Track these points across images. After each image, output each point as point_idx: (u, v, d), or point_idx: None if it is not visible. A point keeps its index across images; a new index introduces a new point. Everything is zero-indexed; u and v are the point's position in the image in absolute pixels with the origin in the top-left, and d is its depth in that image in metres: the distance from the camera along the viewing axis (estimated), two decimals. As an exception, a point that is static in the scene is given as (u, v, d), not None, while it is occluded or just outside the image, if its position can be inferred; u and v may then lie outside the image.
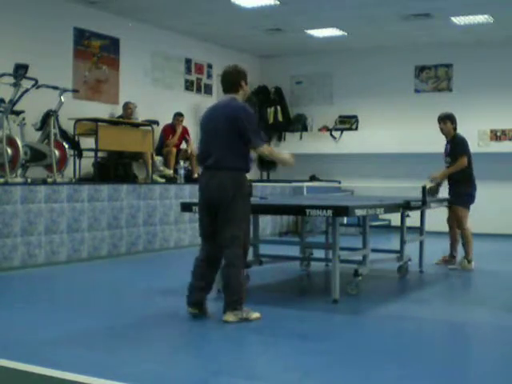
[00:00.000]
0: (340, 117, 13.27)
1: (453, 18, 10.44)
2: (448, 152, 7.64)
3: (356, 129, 13.15)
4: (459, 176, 7.48)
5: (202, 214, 4.87)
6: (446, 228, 7.85)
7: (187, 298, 4.86)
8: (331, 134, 13.19)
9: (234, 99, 4.81)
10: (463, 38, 11.52)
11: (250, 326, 4.69)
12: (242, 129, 4.66)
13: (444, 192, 7.74)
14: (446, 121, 7.62)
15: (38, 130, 8.41)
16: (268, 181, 12.63)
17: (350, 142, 12.90)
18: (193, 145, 10.88)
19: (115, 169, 9.54)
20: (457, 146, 7.54)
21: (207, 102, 12.38)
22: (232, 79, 4.84)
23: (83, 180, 8.85)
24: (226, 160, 4.68)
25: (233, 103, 4.77)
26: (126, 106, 9.92)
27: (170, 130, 10.70)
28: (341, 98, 13.23)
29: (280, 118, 13.45)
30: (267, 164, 5.04)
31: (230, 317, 4.66)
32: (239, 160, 4.72)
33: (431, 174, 7.67)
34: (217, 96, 12.82)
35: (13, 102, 7.74)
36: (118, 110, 10.22)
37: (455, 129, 7.67)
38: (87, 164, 9.34)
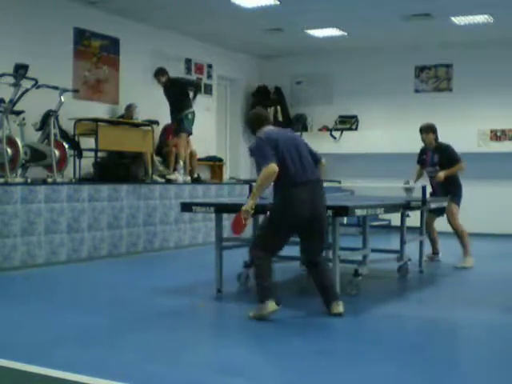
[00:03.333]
0: (340, 117, 13.27)
1: (453, 18, 10.43)
2: (436, 161, 7.92)
3: (356, 129, 13.14)
4: (453, 178, 7.87)
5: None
6: (445, 228, 7.87)
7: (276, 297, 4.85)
8: (331, 134, 13.18)
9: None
10: (463, 38, 11.52)
11: (249, 326, 4.69)
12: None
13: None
14: (429, 131, 8.07)
15: (37, 130, 8.41)
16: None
17: (350, 142, 12.90)
18: (192, 145, 10.89)
19: (115, 169, 9.53)
20: (450, 155, 7.89)
21: (207, 102, 12.43)
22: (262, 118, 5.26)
23: (83, 180, 8.85)
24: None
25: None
26: (130, 107, 9.92)
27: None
28: (341, 97, 13.23)
29: (280, 117, 13.44)
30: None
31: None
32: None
33: (438, 174, 7.75)
34: (217, 96, 12.84)
35: (13, 102, 7.74)
36: (119, 110, 10.22)
37: (436, 139, 8.10)
38: (87, 164, 9.34)
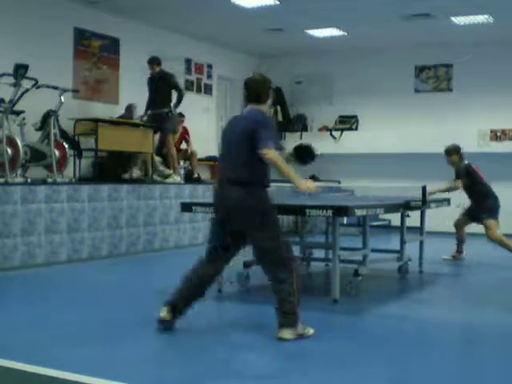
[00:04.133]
0: (340, 117, 13.27)
1: (453, 18, 10.43)
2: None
3: (356, 129, 13.14)
4: (481, 194, 8.10)
5: None
6: (445, 228, 7.87)
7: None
8: (331, 134, 13.18)
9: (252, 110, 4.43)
10: (463, 38, 11.52)
11: (249, 326, 4.69)
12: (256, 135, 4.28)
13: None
14: (452, 153, 8.23)
15: (37, 130, 8.40)
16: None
17: (350, 142, 12.89)
18: (192, 145, 10.90)
19: (115, 169, 9.53)
20: (456, 170, 8.15)
21: (207, 102, 12.44)
22: (260, 88, 4.44)
23: (83, 180, 8.85)
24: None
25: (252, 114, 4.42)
26: (130, 107, 9.91)
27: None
28: (341, 98, 13.23)
29: (280, 117, 13.44)
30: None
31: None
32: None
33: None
34: (217, 96, 12.84)
35: (13, 102, 7.73)
36: (119, 110, 10.22)
37: (462, 158, 8.27)
38: (87, 164, 9.34)
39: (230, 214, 4.43)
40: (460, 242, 8.31)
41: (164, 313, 4.44)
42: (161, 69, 9.92)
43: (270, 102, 4.52)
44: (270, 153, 4.28)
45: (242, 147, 4.34)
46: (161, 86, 9.81)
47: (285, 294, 4.34)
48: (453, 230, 8.14)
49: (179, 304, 4.49)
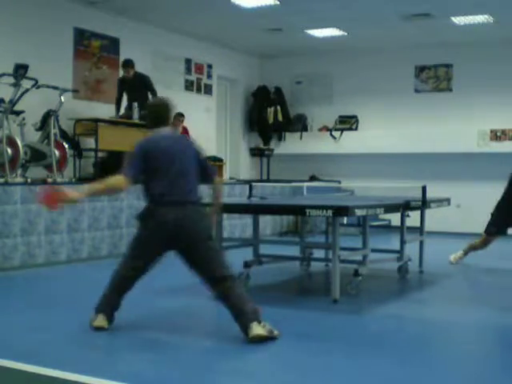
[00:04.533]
0: (340, 117, 13.27)
1: (453, 18, 10.44)
2: None
3: (356, 129, 13.15)
4: None
5: None
6: (445, 228, 7.86)
7: None
8: (331, 134, 13.18)
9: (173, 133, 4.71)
10: (463, 38, 11.52)
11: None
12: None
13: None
14: None
15: (37, 130, 8.41)
16: (268, 181, 12.63)
17: (350, 142, 12.90)
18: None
19: (115, 169, 9.51)
20: None
21: (207, 102, 12.44)
22: (167, 113, 4.62)
23: (83, 180, 8.84)
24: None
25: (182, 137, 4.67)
26: (130, 107, 9.90)
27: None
28: (341, 98, 13.23)
29: (280, 118, 13.45)
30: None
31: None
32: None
33: None
34: (217, 96, 12.85)
35: (13, 102, 7.74)
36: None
37: None
38: (87, 164, 9.34)
39: (188, 234, 4.40)
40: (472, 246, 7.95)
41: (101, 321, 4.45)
42: (135, 71, 9.80)
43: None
44: (220, 180, 4.84)
45: (194, 170, 4.50)
46: (138, 88, 9.69)
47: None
48: (453, 230, 8.12)
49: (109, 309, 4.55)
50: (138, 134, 9.63)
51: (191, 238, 4.38)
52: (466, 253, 7.77)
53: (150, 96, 9.76)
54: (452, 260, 7.79)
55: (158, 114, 4.61)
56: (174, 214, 4.33)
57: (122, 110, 9.80)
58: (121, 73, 10.02)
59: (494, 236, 7.50)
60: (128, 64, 9.69)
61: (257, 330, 4.13)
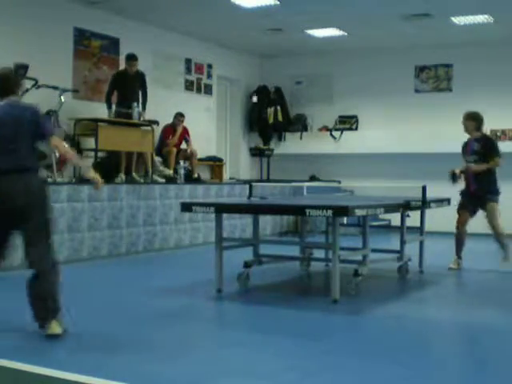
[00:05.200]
0: (340, 117, 13.27)
1: (453, 18, 10.44)
2: (475, 150, 7.57)
3: (356, 129, 13.15)
4: (490, 174, 7.54)
5: None
6: (445, 228, 7.85)
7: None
8: (331, 134, 13.18)
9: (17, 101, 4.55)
10: (463, 38, 11.52)
11: (250, 325, 4.69)
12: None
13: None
14: (468, 119, 7.62)
15: (38, 130, 8.39)
16: (268, 181, 12.64)
17: (350, 142, 12.90)
18: (192, 145, 10.90)
19: (115, 169, 9.51)
20: (491, 147, 7.57)
21: (207, 102, 12.44)
22: (10, 82, 4.64)
23: (83, 180, 8.84)
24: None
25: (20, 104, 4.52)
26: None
27: (170, 129, 10.70)
28: (341, 97, 13.23)
29: (280, 117, 13.45)
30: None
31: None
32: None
33: (470, 166, 7.55)
34: (217, 96, 12.85)
35: (13, 102, 7.73)
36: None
37: (478, 128, 7.64)
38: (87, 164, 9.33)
39: (24, 205, 4.33)
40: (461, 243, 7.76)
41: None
42: (137, 67, 9.74)
43: (21, 91, 4.76)
44: (56, 139, 4.67)
45: (28, 137, 4.44)
46: (134, 84, 9.66)
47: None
48: (453, 230, 8.08)
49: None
50: (137, 134, 9.69)
51: (19, 210, 4.34)
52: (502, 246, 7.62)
53: (140, 94, 9.70)
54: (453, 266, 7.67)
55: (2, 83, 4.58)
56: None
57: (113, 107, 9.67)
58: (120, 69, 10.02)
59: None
60: (133, 58, 9.62)
61: (55, 328, 4.20)
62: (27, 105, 4.56)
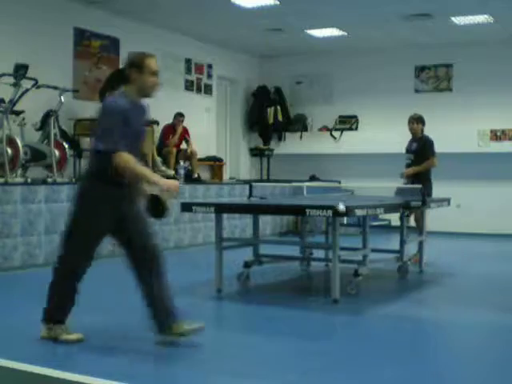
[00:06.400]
0: (340, 117, 13.27)
1: (453, 18, 10.43)
2: (413, 150, 8.08)
3: (356, 129, 13.15)
4: (427, 175, 7.95)
5: None
6: (445, 228, 7.86)
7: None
8: (331, 134, 13.19)
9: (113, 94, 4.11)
10: (463, 37, 11.52)
11: (250, 325, 4.68)
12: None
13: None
14: (418, 122, 8.15)
15: (37, 130, 8.40)
16: (268, 181, 12.64)
17: (350, 142, 12.90)
18: (192, 145, 10.90)
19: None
20: (426, 146, 8.03)
21: (207, 102, 12.44)
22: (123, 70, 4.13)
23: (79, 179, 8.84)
24: None
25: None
26: None
27: (170, 130, 10.70)
28: (341, 97, 13.23)
29: (280, 117, 13.45)
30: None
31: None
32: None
33: (404, 171, 7.92)
34: (217, 96, 12.85)
35: (13, 102, 7.73)
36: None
37: (423, 130, 8.20)
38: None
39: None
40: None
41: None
42: None
43: (137, 81, 4.07)
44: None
45: None
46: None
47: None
48: (452, 230, 8.11)
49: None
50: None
51: None
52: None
53: None
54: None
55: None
56: None
57: None
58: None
59: None
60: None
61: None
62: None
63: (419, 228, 7.76)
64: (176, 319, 4.12)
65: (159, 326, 4.11)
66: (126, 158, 3.93)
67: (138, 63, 4.03)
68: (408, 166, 8.09)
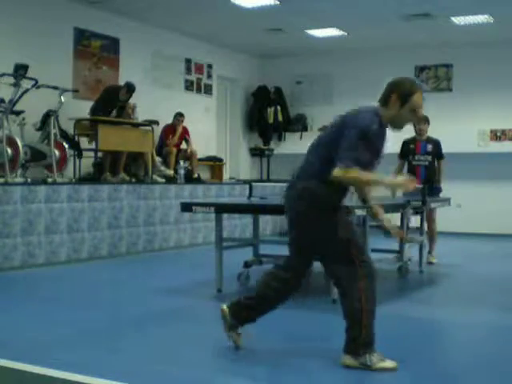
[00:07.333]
0: (340, 117, 13.25)
1: (453, 18, 10.43)
2: (429, 151, 8.07)
3: (356, 129, 13.13)
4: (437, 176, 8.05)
5: None
6: (445, 228, 7.86)
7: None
8: (331, 134, 13.17)
9: (369, 110, 4.01)
10: (463, 37, 11.52)
11: (249, 325, 4.68)
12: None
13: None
14: (426, 122, 8.12)
15: (37, 130, 8.41)
16: (268, 181, 12.63)
17: (350, 142, 12.88)
18: (192, 145, 10.90)
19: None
20: (441, 149, 8.10)
21: (207, 102, 12.44)
22: (385, 89, 3.98)
23: (83, 180, 8.85)
24: None
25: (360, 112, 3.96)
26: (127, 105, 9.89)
27: (170, 130, 10.70)
28: (341, 98, 13.21)
29: (280, 118, 13.45)
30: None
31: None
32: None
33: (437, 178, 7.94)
34: (217, 96, 12.84)
35: (13, 102, 7.74)
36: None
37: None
38: (87, 164, 9.34)
39: None
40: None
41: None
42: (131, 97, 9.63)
43: (396, 106, 3.96)
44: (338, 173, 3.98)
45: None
46: (120, 112, 9.56)
47: None
48: (453, 230, 8.11)
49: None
50: (137, 134, 9.69)
51: None
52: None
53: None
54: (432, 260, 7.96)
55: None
56: None
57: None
58: (121, 77, 10.02)
59: None
60: (134, 90, 9.46)
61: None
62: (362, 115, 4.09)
63: (431, 230, 7.96)
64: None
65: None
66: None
67: (404, 95, 3.83)
68: (426, 167, 8.01)
